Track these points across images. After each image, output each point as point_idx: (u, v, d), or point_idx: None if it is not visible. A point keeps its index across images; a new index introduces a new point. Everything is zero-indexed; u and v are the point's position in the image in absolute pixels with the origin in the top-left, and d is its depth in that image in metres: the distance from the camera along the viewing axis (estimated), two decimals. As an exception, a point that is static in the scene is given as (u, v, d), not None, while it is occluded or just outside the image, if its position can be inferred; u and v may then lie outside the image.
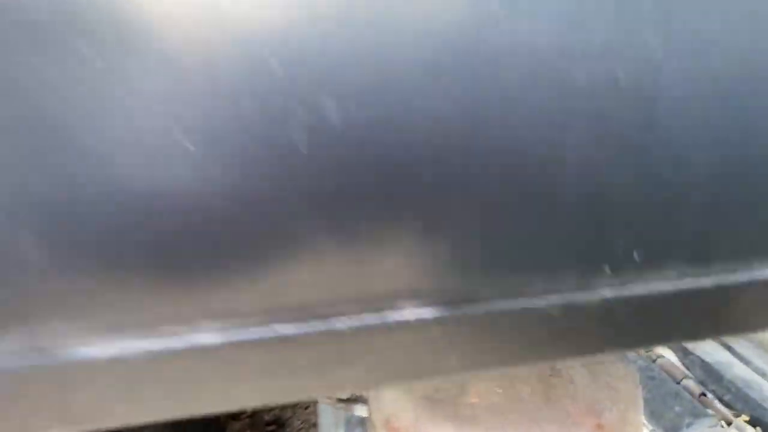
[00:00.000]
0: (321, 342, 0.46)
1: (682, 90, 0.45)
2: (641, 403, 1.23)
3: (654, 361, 1.78)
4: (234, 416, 2.03)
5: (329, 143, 0.41)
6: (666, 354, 1.82)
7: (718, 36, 0.45)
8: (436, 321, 0.48)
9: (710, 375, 1.83)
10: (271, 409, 2.10)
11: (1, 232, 0.38)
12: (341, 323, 0.46)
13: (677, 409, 1.56)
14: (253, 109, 0.39)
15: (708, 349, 1.86)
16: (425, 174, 0.45)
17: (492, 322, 0.50)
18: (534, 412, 1.13)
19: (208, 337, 0.44)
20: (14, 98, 0.35)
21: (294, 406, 2.14)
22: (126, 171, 0.38)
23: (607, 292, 0.52)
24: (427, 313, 0.48)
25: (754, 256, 0.55)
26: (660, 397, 1.62)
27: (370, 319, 0.47)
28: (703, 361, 1.85)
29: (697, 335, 0.69)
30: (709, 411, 1.61)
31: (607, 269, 0.52)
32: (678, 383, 1.68)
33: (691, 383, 1.68)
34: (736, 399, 1.79)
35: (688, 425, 1.57)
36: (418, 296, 0.48)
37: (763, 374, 1.90)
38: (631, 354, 1.62)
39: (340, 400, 1.26)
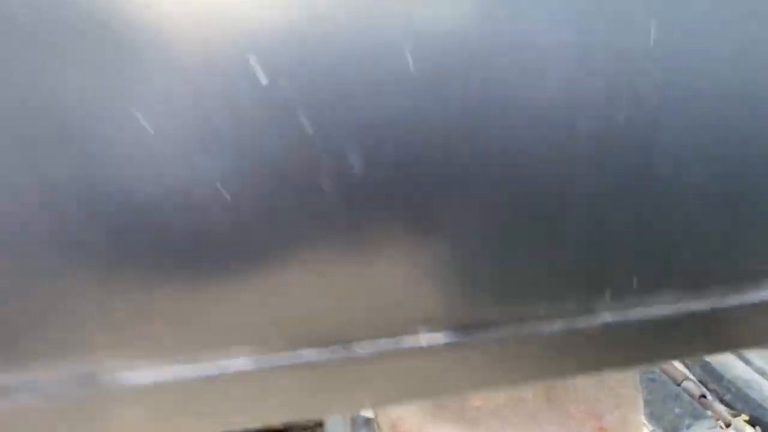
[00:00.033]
0: (342, 366, 0.50)
1: (677, 137, 0.49)
2: (641, 404, 1.27)
3: (655, 362, 1.81)
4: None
5: (351, 182, 0.45)
6: (667, 356, 1.85)
7: (711, 93, 0.48)
8: (448, 346, 0.52)
9: (711, 375, 1.86)
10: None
11: (54, 268, 0.42)
12: (360, 348, 0.50)
13: (677, 410, 1.60)
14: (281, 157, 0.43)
15: (708, 351, 1.88)
16: (441, 210, 0.48)
17: (500, 346, 0.54)
18: (536, 415, 1.17)
19: (240, 363, 0.48)
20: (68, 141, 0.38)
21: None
22: (164, 218, 0.42)
23: (608, 317, 0.56)
24: (439, 338, 0.52)
25: (745, 282, 0.59)
26: (660, 398, 1.65)
27: (386, 344, 0.51)
28: (703, 360, 1.88)
29: (693, 353, 0.73)
30: (708, 413, 1.65)
31: (607, 296, 0.56)
32: (678, 385, 1.71)
33: (691, 385, 1.72)
34: (736, 399, 1.81)
35: (688, 426, 1.60)
36: (430, 323, 0.52)
37: (763, 374, 1.92)
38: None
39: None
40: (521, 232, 0.51)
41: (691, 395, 1.68)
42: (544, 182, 0.50)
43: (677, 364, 1.84)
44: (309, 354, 0.49)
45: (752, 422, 1.74)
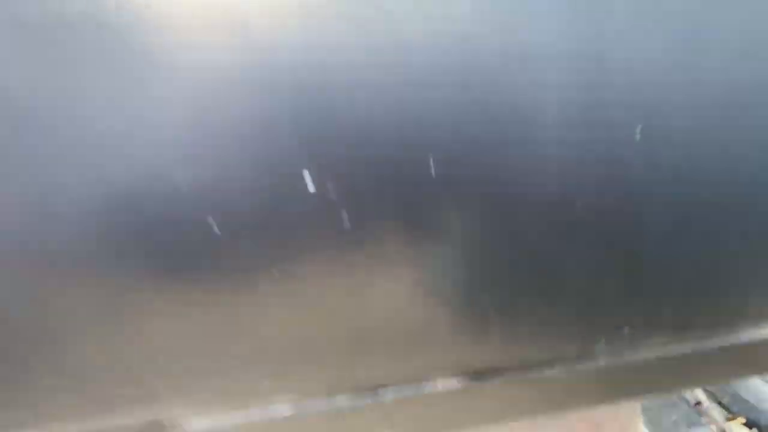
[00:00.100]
0: (371, 410, 0.58)
1: (665, 209, 0.56)
2: (640, 412, 1.34)
3: (654, 370, 1.88)
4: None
5: (375, 253, 0.52)
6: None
7: (694, 153, 0.55)
8: (463, 389, 0.60)
9: (708, 380, 1.91)
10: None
11: (124, 327, 0.49)
12: (387, 394, 0.58)
13: (674, 417, 1.68)
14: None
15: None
16: (457, 275, 0.56)
17: (508, 389, 0.62)
18: (538, 424, 1.24)
19: (282, 409, 0.55)
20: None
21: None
22: (220, 285, 0.50)
23: (603, 360, 0.64)
24: (455, 383, 0.60)
25: (726, 326, 0.66)
26: (658, 405, 1.73)
27: (409, 390, 0.59)
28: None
29: (681, 387, 0.80)
30: (704, 419, 1.72)
31: (603, 342, 0.63)
32: (675, 392, 1.78)
33: (687, 392, 1.79)
34: (733, 402, 1.88)
35: (684, 432, 1.68)
36: (447, 370, 0.59)
37: (760, 377, 1.96)
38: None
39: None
40: (526, 289, 0.59)
41: (688, 402, 1.76)
42: (545, 248, 0.57)
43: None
44: (342, 400, 0.57)
45: (749, 425, 1.81)
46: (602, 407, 0.77)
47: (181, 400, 0.53)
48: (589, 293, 0.60)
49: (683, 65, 0.52)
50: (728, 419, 1.81)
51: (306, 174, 0.45)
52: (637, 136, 0.52)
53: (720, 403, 1.84)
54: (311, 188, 0.46)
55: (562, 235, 0.57)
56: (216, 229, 0.47)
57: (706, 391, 1.85)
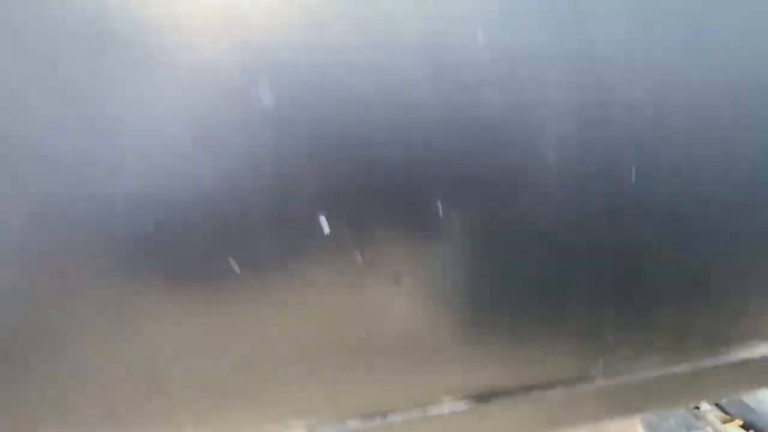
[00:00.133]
0: (380, 432, 0.61)
1: (654, 223, 0.59)
2: (638, 417, 1.37)
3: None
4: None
5: (390, 295, 0.55)
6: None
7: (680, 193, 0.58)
8: (469, 411, 0.63)
9: (705, 382, 1.93)
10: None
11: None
12: (395, 418, 0.61)
13: (672, 421, 1.71)
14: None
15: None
16: (462, 302, 0.59)
17: (512, 410, 0.65)
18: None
19: (297, 433, 0.58)
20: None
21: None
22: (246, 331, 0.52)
23: (601, 382, 0.66)
24: (460, 406, 0.62)
25: (719, 348, 0.69)
26: (656, 410, 1.76)
27: (416, 412, 0.61)
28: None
29: (678, 404, 0.83)
30: (701, 422, 1.75)
31: (601, 364, 0.66)
32: (673, 396, 1.81)
33: (685, 397, 1.82)
34: (730, 405, 1.91)
35: (682, 436, 1.71)
36: (453, 393, 0.62)
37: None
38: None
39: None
40: (529, 315, 0.62)
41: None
42: (546, 274, 0.60)
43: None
44: (353, 425, 0.59)
45: (746, 427, 1.84)
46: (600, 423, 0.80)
47: (194, 425, 0.55)
48: (587, 318, 0.63)
49: (675, 116, 0.55)
50: (726, 422, 1.83)
51: (322, 219, 0.48)
52: (633, 178, 0.54)
53: (717, 406, 1.87)
54: (326, 230, 0.49)
55: (562, 263, 0.59)
56: (235, 265, 0.50)
57: (703, 393, 1.87)
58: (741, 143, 0.59)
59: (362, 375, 0.59)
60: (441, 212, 0.52)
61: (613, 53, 0.52)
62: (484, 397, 0.63)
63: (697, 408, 1.80)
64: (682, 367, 0.69)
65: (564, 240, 0.58)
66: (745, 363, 0.71)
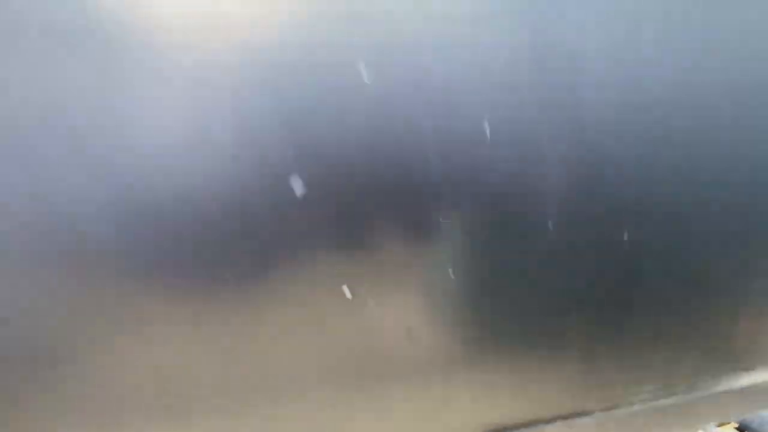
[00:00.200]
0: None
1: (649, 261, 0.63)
2: None
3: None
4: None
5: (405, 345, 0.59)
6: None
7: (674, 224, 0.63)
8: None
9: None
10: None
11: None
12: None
13: (669, 428, 1.75)
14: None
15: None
16: (470, 345, 0.63)
17: (513, 444, 0.69)
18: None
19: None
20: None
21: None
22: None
23: (599, 416, 0.71)
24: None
25: (708, 381, 0.74)
26: (654, 417, 1.79)
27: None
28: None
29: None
30: (698, 429, 1.79)
31: (596, 399, 0.71)
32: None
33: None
34: (726, 407, 1.94)
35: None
36: (464, 430, 0.67)
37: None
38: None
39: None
40: (528, 356, 0.66)
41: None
42: (546, 315, 0.64)
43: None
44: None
45: (741, 429, 1.86)
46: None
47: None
48: (584, 354, 0.68)
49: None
50: (719, 424, 1.86)
51: (344, 287, 0.52)
52: (625, 237, 0.59)
53: (714, 409, 1.89)
54: (347, 294, 0.53)
55: (560, 302, 0.64)
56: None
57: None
58: (734, 185, 0.63)
59: (373, 415, 0.63)
60: (451, 271, 0.56)
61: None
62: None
63: (694, 414, 1.83)
64: (674, 400, 0.74)
65: (560, 278, 0.62)
66: (739, 391, 0.75)
